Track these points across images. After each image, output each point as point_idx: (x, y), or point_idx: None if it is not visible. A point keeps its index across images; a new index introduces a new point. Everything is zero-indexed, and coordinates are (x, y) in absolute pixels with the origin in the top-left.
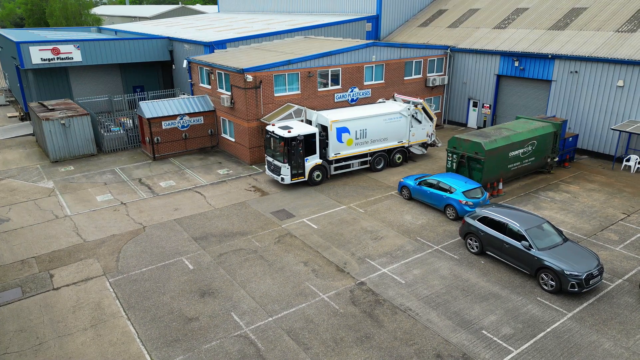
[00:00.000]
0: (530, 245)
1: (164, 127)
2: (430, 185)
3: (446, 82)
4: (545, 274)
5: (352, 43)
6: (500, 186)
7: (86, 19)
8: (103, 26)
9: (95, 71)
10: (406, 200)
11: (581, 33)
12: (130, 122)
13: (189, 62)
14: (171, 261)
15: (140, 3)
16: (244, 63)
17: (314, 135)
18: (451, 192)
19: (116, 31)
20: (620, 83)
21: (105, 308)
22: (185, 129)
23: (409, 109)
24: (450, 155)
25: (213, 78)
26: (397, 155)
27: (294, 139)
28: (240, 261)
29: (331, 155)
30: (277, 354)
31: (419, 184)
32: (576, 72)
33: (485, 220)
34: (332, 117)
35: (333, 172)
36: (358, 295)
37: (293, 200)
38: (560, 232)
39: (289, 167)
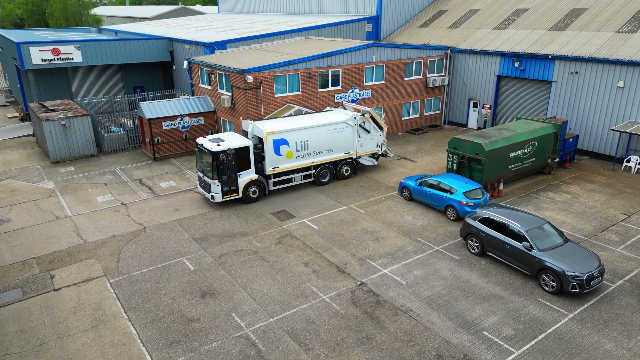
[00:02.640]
0: (531, 246)
1: (164, 128)
2: (431, 186)
3: (446, 82)
4: (546, 275)
5: (352, 44)
6: (501, 187)
7: (86, 19)
8: (103, 27)
9: (95, 72)
10: (407, 201)
11: (581, 34)
12: (131, 122)
13: (189, 63)
14: (172, 262)
15: (141, 3)
16: (245, 64)
17: (247, 148)
18: (452, 193)
19: (116, 32)
20: (621, 84)
21: (106, 309)
22: (186, 129)
23: (355, 118)
24: (451, 156)
25: (213, 79)
26: (345, 168)
27: (223, 152)
28: (241, 262)
29: (268, 170)
30: (278, 355)
31: (420, 184)
32: (576, 72)
33: (486, 221)
34: (267, 128)
35: (272, 188)
36: (359, 296)
37: (294, 201)
38: (561, 233)
39: (219, 183)
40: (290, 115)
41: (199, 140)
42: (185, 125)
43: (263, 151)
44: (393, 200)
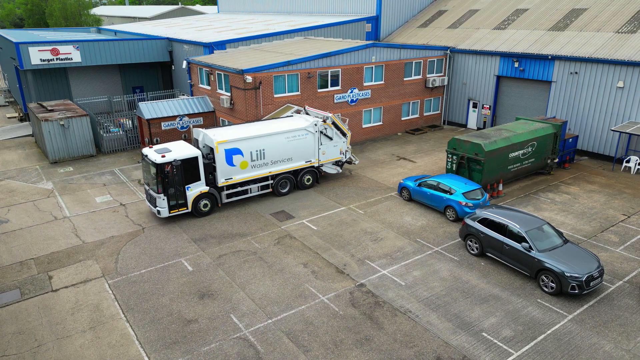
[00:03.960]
0: (530, 247)
1: (163, 128)
2: (430, 186)
3: (446, 83)
4: (545, 276)
5: (351, 44)
6: (500, 187)
7: (86, 19)
8: (103, 27)
9: (94, 72)
10: (406, 202)
11: (581, 34)
12: (130, 122)
13: (188, 63)
14: (170, 263)
15: (140, 3)
16: (244, 64)
17: (195, 159)
18: (451, 194)
19: (116, 32)
20: (620, 84)
21: (104, 310)
22: (185, 129)
23: (315, 124)
24: (450, 156)
25: (213, 79)
26: (307, 177)
27: (168, 164)
28: (240, 263)
29: (221, 181)
30: (277, 356)
31: (419, 185)
32: (576, 73)
33: (485, 221)
34: (218, 137)
35: (225, 200)
36: (358, 297)
37: (293, 202)
38: (560, 234)
39: (165, 197)
40: (289, 116)
41: (145, 150)
42: (185, 126)
43: (214, 162)
44: (392, 200)
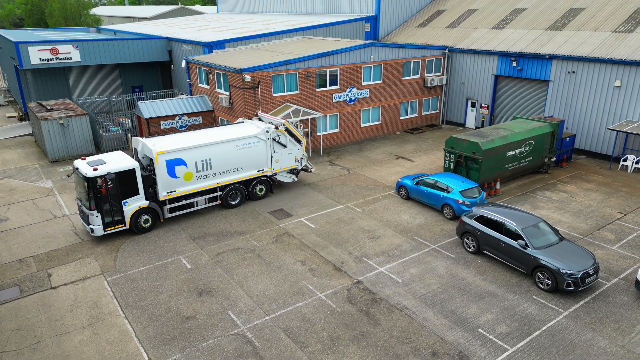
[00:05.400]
0: (526, 244)
1: (162, 127)
2: (428, 184)
3: (444, 82)
4: (541, 273)
5: (350, 43)
6: (498, 186)
7: (85, 19)
8: (102, 26)
9: (94, 71)
10: (404, 200)
11: (579, 33)
12: (129, 122)
13: (187, 62)
14: (169, 260)
15: (140, 4)
16: (243, 63)
17: (132, 171)
18: (448, 192)
19: (115, 31)
20: (618, 83)
21: (102, 307)
22: (184, 129)
23: (267, 131)
24: (448, 155)
25: (212, 78)
26: (259, 187)
27: (101, 177)
28: (238, 260)
29: (162, 195)
30: (274, 352)
31: (417, 183)
32: (573, 72)
33: (482, 219)
34: (158, 147)
35: (168, 215)
36: (355, 294)
37: (291, 200)
38: (556, 231)
39: (98, 214)
40: (289, 114)
41: (77, 162)
42: (184, 125)
43: (154, 174)
44: (390, 199)
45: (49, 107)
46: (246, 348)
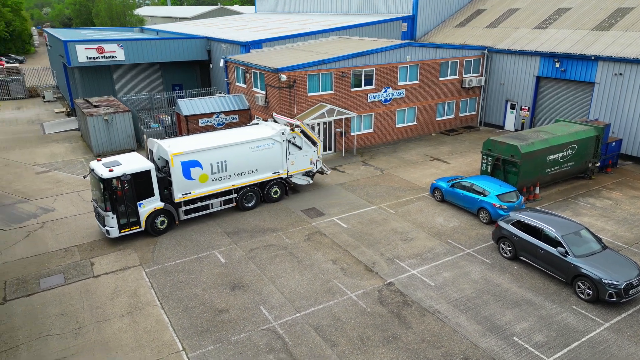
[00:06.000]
0: (566, 252)
1: (200, 124)
2: (464, 187)
3: (483, 83)
4: (581, 282)
5: (386, 43)
6: (537, 191)
7: (130, 19)
8: (145, 26)
9: (137, 69)
10: (438, 203)
11: (627, 34)
12: (169, 119)
13: (225, 62)
14: (204, 254)
15: (181, 4)
16: (279, 62)
17: (147, 172)
18: (485, 195)
19: (157, 31)
20: None
21: (141, 297)
22: (221, 126)
23: (283, 133)
24: (485, 157)
25: (248, 77)
26: (274, 189)
27: (117, 179)
28: (271, 257)
29: (178, 197)
30: (304, 349)
31: (452, 186)
32: (621, 74)
33: (519, 224)
34: (174, 148)
35: (183, 217)
36: (386, 295)
37: (323, 199)
38: (599, 240)
39: (114, 216)
40: (323, 114)
41: (92, 164)
42: (221, 123)
43: (170, 175)
44: (424, 201)
45: (94, 104)
46: (277, 343)
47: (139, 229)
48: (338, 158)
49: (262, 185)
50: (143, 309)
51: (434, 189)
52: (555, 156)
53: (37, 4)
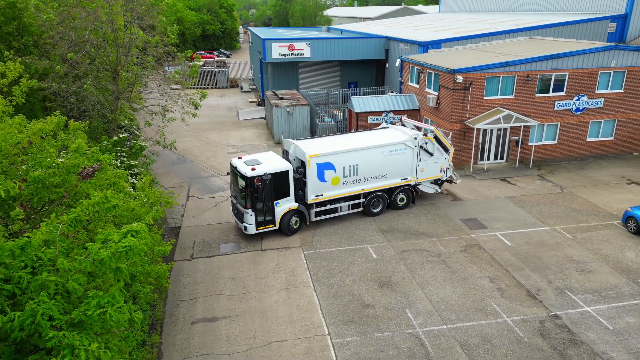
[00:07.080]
0: None
1: (369, 122)
2: None
3: None
4: None
5: (586, 45)
6: None
7: (319, 19)
8: (331, 26)
9: (319, 66)
10: (631, 234)
11: None
12: (341, 114)
13: (401, 61)
14: (357, 247)
15: (367, 4)
16: (456, 63)
17: (286, 173)
18: None
19: (342, 31)
20: None
21: (297, 276)
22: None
23: (415, 138)
24: None
25: (422, 77)
26: (400, 196)
27: (258, 178)
28: (422, 262)
29: (311, 198)
30: None
31: None
32: None
33: None
34: (311, 150)
35: (314, 219)
36: (549, 328)
37: (487, 211)
38: None
39: (253, 213)
40: (499, 120)
41: (234, 161)
42: (389, 121)
43: (305, 176)
44: (613, 230)
45: (280, 96)
46: (419, 351)
47: (274, 228)
48: (510, 169)
49: (390, 191)
50: (298, 287)
51: (628, 217)
52: None
53: (245, 5)
